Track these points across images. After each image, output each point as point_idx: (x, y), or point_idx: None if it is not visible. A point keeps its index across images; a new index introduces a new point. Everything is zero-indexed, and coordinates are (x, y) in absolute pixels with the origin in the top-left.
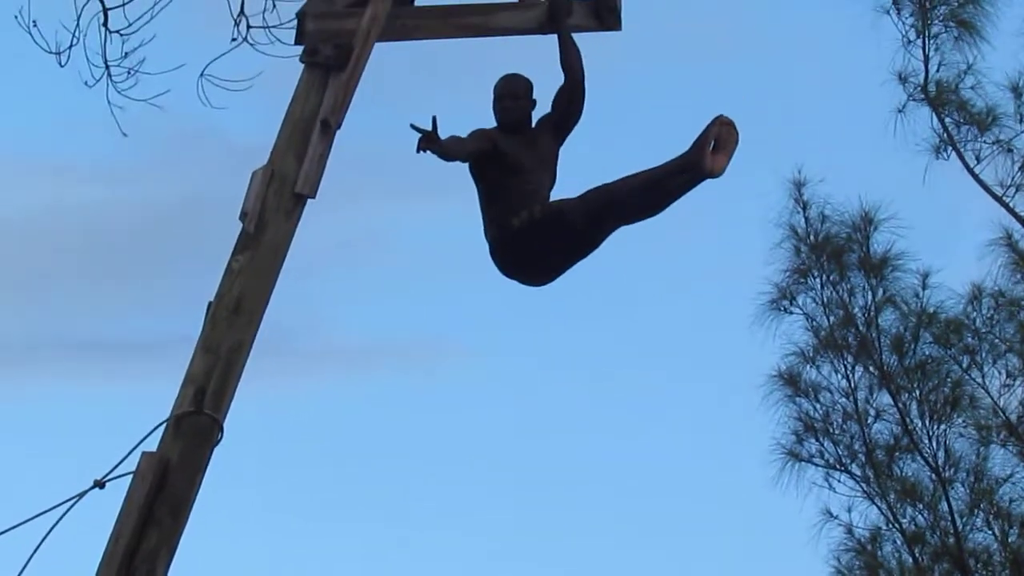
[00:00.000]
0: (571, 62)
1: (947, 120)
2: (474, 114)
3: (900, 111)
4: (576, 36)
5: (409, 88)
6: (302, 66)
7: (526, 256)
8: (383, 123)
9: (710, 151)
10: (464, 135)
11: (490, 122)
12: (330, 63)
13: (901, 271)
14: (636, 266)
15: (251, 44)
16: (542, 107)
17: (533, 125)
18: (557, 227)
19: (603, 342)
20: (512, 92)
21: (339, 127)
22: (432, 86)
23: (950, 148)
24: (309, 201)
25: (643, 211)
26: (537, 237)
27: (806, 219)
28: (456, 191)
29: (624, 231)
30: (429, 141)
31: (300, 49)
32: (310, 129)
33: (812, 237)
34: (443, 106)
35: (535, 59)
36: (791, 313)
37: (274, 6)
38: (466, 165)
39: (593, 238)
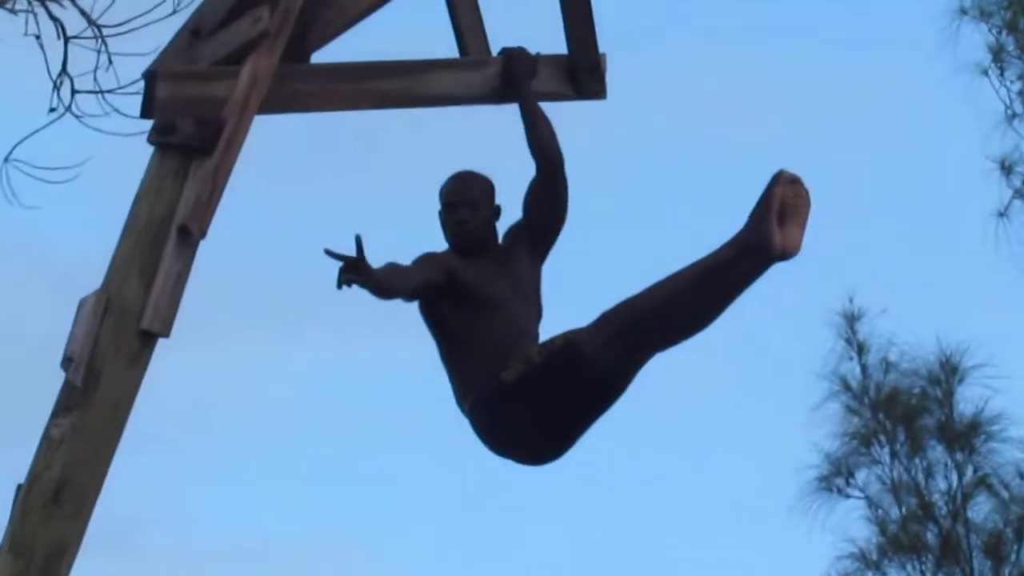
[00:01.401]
0: (542, 141)
1: None
2: (415, 210)
3: (1002, 214)
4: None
5: (309, 175)
6: (151, 148)
7: (528, 421)
8: (270, 229)
9: (775, 223)
10: (407, 262)
11: (436, 238)
12: (192, 144)
13: (998, 441)
14: (635, 437)
15: (77, 116)
16: (508, 213)
17: (500, 240)
18: (571, 371)
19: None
20: (468, 199)
21: (203, 236)
22: (343, 172)
23: None
24: (161, 342)
25: (692, 323)
26: (542, 391)
27: (863, 367)
28: (396, 327)
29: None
30: (354, 271)
31: (148, 125)
32: (162, 239)
33: (871, 392)
34: (363, 201)
35: (494, 126)
36: (848, 497)
37: (110, 62)
38: (414, 304)
39: (620, 379)
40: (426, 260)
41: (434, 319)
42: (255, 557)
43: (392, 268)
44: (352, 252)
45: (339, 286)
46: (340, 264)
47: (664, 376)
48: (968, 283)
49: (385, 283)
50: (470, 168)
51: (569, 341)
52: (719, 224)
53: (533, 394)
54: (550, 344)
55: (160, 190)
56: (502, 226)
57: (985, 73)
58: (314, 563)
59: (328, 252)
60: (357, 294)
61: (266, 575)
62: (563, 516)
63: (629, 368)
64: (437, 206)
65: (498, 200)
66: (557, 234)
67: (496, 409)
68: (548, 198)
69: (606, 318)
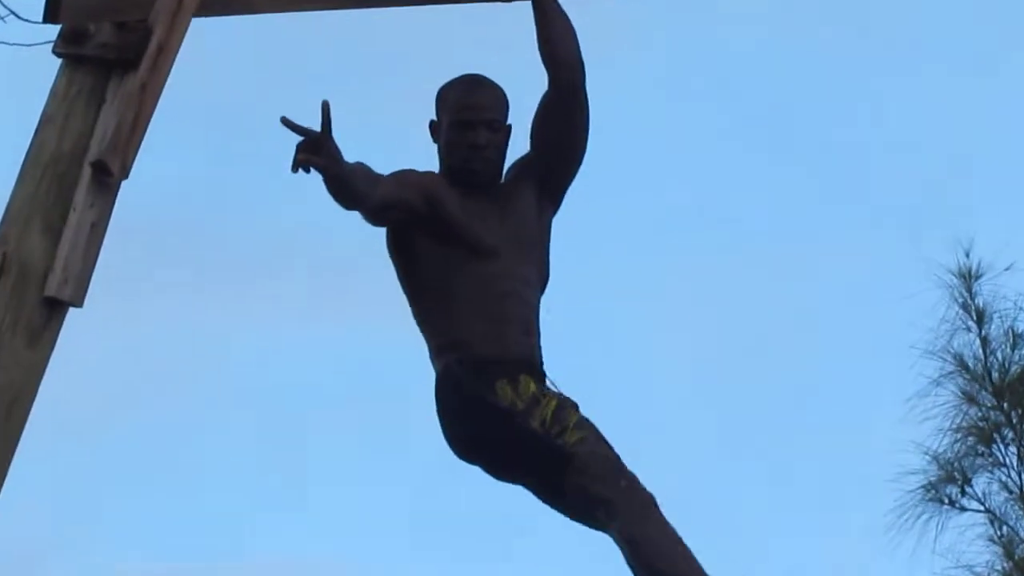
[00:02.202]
0: (557, 43)
1: None
2: (395, 136)
3: None
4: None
5: (258, 94)
6: (58, 62)
7: (478, 433)
8: (209, 164)
9: None
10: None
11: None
12: (109, 57)
13: None
14: (694, 416)
15: None
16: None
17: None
18: (543, 458)
19: None
20: (490, 119)
21: (126, 175)
22: (302, 88)
23: None
24: (72, 312)
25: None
26: (506, 436)
27: (983, 340)
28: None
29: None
30: (314, 150)
31: (55, 32)
32: (73, 179)
33: (995, 373)
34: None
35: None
36: (963, 510)
37: None
38: (382, 239)
39: (566, 503)
40: (405, 177)
41: (405, 258)
42: None
43: (362, 168)
44: (316, 127)
45: (294, 169)
46: (298, 140)
47: (731, 349)
48: None
49: (349, 179)
50: (472, 72)
51: (572, 450)
52: None
53: (496, 427)
54: (554, 418)
55: (69, 116)
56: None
57: None
58: None
59: (285, 122)
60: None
61: None
62: None
63: (578, 508)
64: (431, 116)
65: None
66: (573, 170)
67: (460, 396)
68: (562, 118)
69: (613, 500)
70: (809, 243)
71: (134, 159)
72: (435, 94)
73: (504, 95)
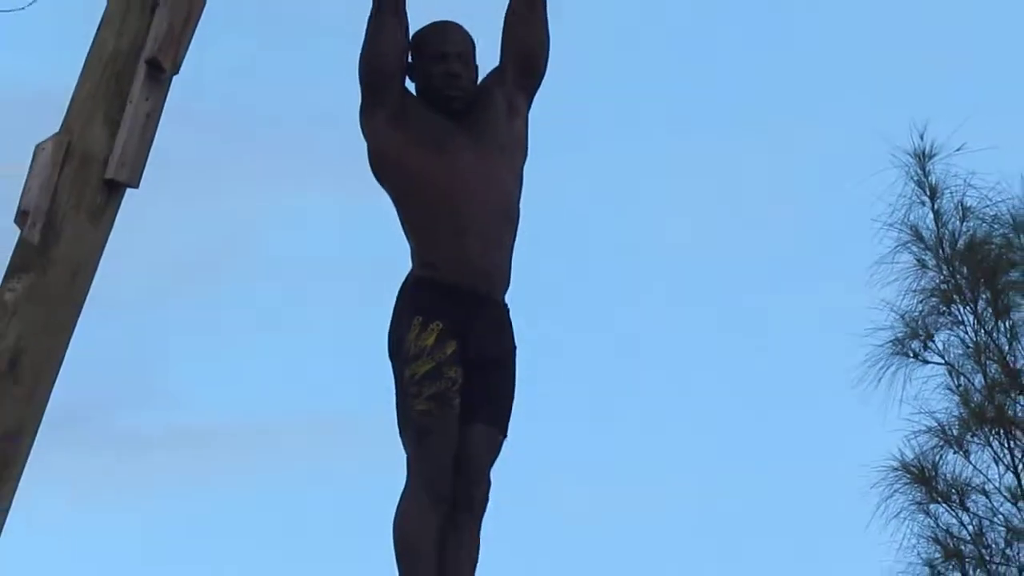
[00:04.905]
0: None
1: None
2: None
3: None
4: None
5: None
6: None
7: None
8: (258, 63)
9: None
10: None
11: None
12: None
13: None
14: (677, 301)
15: None
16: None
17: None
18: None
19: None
20: (463, 52)
21: (176, 70)
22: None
23: None
24: (130, 192)
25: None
26: (394, 356)
27: (936, 213)
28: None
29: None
30: None
31: None
32: (129, 74)
33: (947, 243)
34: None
35: None
36: (925, 363)
37: None
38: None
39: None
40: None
41: (384, 175)
42: (244, 436)
43: None
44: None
45: None
46: None
47: (708, 227)
48: None
49: None
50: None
51: (412, 414)
52: None
53: (391, 348)
54: (420, 379)
55: (126, 17)
56: None
57: None
58: (310, 439)
59: None
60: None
61: (256, 457)
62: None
63: None
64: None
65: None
66: (540, 70)
67: (395, 307)
68: (527, 18)
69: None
70: (787, 125)
71: (184, 55)
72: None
73: (471, 38)
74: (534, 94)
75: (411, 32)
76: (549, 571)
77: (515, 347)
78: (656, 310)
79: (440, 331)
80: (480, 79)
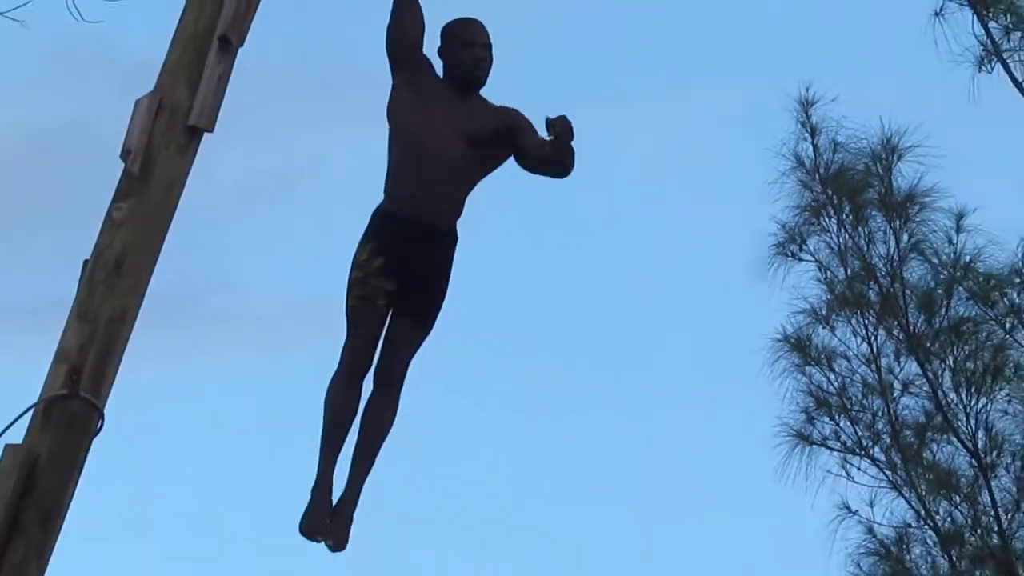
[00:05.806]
0: (550, 166)
1: (992, 26)
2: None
3: (937, 14)
4: None
5: None
6: None
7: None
8: (302, 36)
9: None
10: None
11: None
12: None
13: (931, 211)
14: (609, 194)
15: None
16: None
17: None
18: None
19: (571, 295)
20: (483, 41)
21: (241, 44)
22: None
23: (995, 59)
24: (207, 136)
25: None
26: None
27: (815, 147)
28: None
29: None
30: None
31: None
32: (206, 47)
33: (822, 169)
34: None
35: None
36: (800, 260)
37: None
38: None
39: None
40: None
41: (390, 115)
42: (313, 316)
43: None
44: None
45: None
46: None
47: (634, 148)
48: (907, 73)
49: None
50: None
51: (348, 310)
52: None
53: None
54: (356, 300)
55: (204, 3)
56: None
57: None
58: None
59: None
60: None
61: (324, 332)
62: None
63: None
64: (437, 44)
65: None
66: (517, 163)
67: (365, 230)
68: (538, 162)
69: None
70: (694, 84)
71: (247, 33)
72: (440, 30)
73: (488, 31)
74: (498, 167)
75: (426, 17)
76: None
77: (449, 266)
78: None
79: (371, 248)
80: (501, 105)
